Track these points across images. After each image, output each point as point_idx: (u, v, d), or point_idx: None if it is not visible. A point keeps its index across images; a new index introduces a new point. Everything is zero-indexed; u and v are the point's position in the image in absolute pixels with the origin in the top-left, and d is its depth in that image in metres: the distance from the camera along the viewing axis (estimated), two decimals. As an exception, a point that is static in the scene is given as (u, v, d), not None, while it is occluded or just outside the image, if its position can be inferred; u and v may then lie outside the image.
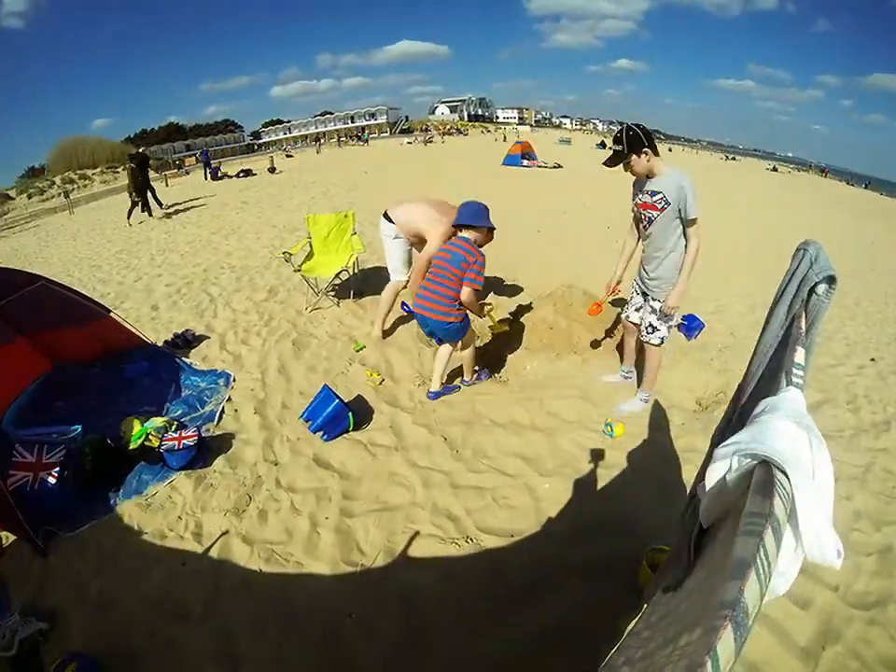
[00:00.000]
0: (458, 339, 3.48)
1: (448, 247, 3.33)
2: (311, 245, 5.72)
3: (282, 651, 1.99)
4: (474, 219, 3.32)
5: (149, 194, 12.57)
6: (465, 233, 3.31)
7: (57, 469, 2.74)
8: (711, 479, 0.94)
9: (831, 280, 1.02)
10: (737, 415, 1.33)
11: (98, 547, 2.50)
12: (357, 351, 4.33)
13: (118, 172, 37.05)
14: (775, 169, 45.23)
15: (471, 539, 2.45)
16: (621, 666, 1.13)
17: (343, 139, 55.49)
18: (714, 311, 5.34)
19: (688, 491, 1.67)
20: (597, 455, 2.99)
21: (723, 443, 0.89)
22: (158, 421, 3.17)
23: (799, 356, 0.99)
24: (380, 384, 3.60)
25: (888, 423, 3.48)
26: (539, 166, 20.82)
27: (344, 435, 3.23)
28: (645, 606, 1.63)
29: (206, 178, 21.86)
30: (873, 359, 4.45)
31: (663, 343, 3.22)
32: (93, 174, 36.58)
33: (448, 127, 70.45)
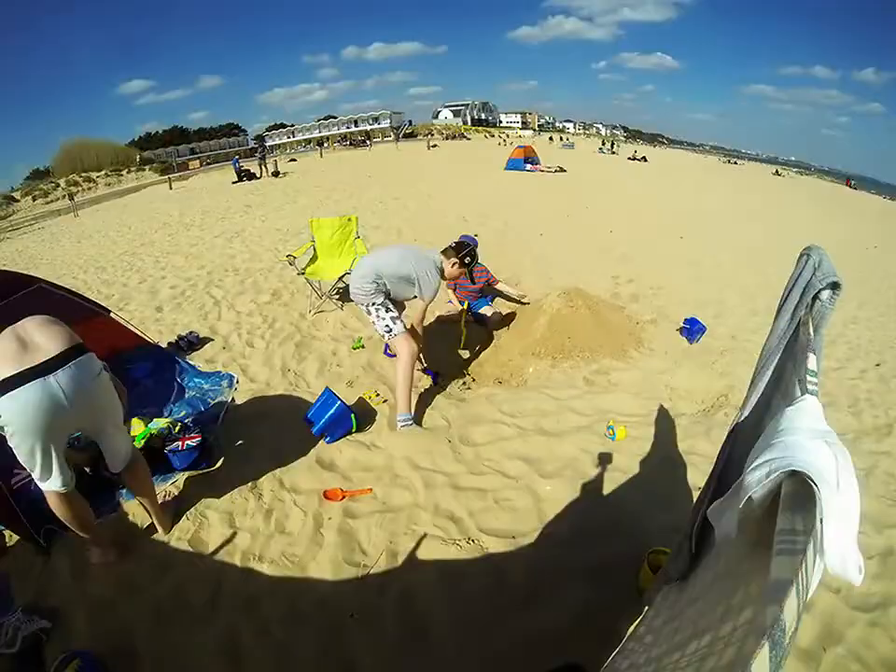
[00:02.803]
0: None
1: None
2: (314, 249, 5.76)
3: (284, 651, 1.99)
4: None
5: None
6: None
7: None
8: (741, 498, 0.91)
9: (835, 286, 1.02)
10: (745, 417, 1.33)
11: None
12: (355, 349, 4.39)
13: (122, 174, 37.25)
14: (777, 173, 45.03)
15: (473, 541, 2.45)
16: (625, 669, 1.14)
17: (339, 144, 53.09)
18: (715, 314, 5.34)
19: (692, 496, 1.67)
20: (599, 458, 2.99)
21: (751, 467, 0.87)
22: (161, 422, 3.18)
23: (812, 362, 0.99)
24: (383, 402, 3.61)
25: (889, 426, 3.47)
26: (542, 170, 20.80)
27: (347, 437, 3.24)
28: (646, 608, 1.64)
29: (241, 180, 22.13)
30: (878, 364, 4.45)
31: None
32: (97, 176, 36.75)
33: (452, 131, 70.55)
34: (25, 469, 2.66)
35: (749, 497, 0.85)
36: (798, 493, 0.73)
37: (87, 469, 2.87)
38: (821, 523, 0.68)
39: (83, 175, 36.61)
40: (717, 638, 0.77)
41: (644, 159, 34.27)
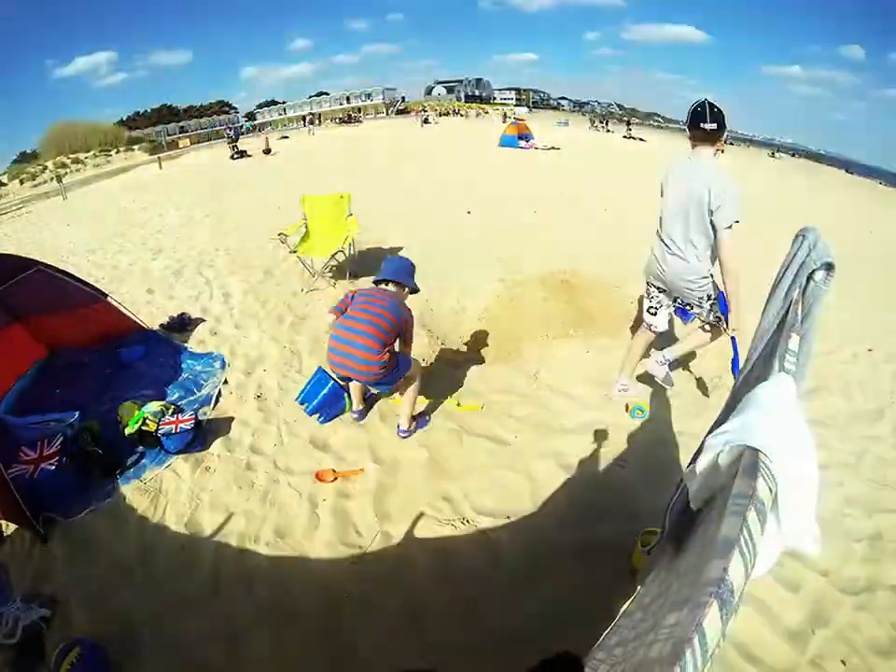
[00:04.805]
0: (396, 381, 2.91)
1: (378, 294, 2.83)
2: (307, 227, 5.70)
3: (282, 632, 2.02)
4: (401, 276, 2.96)
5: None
6: (391, 287, 2.91)
7: (56, 457, 2.74)
8: (701, 465, 0.95)
9: (829, 267, 1.02)
10: (732, 396, 1.33)
11: (97, 532, 2.52)
12: None
13: (110, 155, 36.73)
14: (773, 155, 44.70)
15: (468, 521, 2.47)
16: (614, 647, 1.15)
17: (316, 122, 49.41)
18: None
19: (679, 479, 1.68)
20: (594, 437, 3.01)
21: (714, 432, 0.90)
22: (155, 405, 3.17)
23: (793, 342, 1.00)
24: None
25: (880, 411, 3.49)
26: (536, 147, 20.63)
27: (340, 416, 3.24)
28: (639, 587, 1.66)
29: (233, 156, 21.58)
30: (870, 349, 4.46)
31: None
32: (86, 157, 36.22)
33: (446, 108, 69.70)
34: (23, 464, 2.70)
35: (715, 459, 0.87)
36: (755, 463, 0.75)
37: (98, 449, 2.89)
38: (773, 494, 0.69)
39: (71, 156, 36.07)
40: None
41: (642, 139, 33.74)
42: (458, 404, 3.36)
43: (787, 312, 1.11)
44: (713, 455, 0.91)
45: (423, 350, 4.01)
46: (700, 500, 1.10)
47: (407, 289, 2.98)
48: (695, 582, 0.78)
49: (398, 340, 2.85)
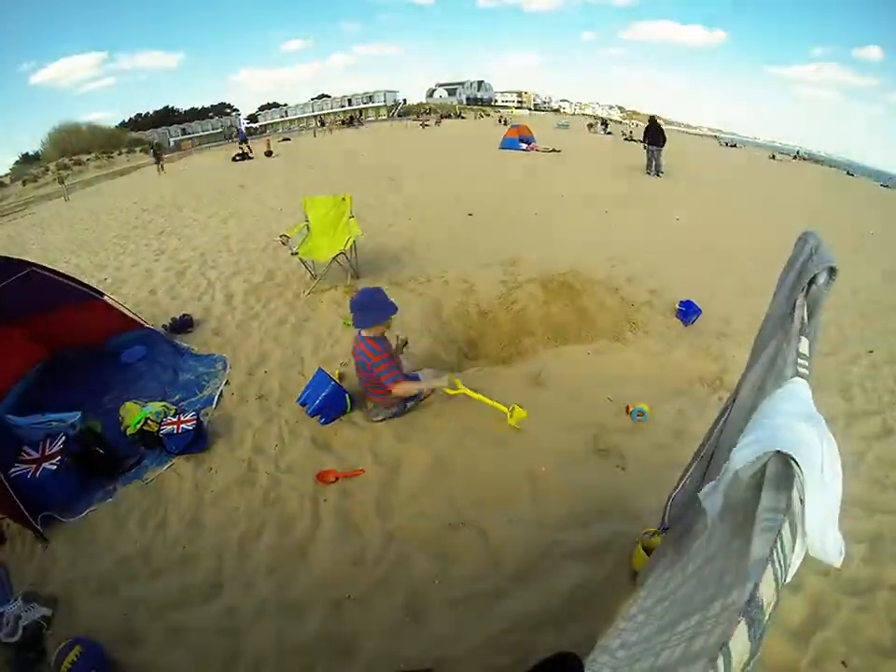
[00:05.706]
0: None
1: (356, 347, 3.06)
2: (308, 228, 5.71)
3: (283, 631, 2.02)
4: (364, 321, 2.97)
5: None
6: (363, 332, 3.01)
7: (58, 457, 2.75)
8: (723, 483, 0.92)
9: (831, 271, 1.02)
10: (735, 401, 1.33)
11: (99, 532, 2.53)
12: (347, 325, 4.39)
13: (112, 157, 36.84)
14: (773, 157, 44.48)
15: (468, 521, 2.48)
16: (616, 649, 1.15)
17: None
18: (711, 297, 5.33)
19: (680, 474, 1.69)
20: (593, 439, 3.01)
21: (738, 446, 0.88)
22: (156, 405, 3.18)
23: (804, 346, 0.99)
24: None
25: (881, 412, 3.50)
26: (538, 150, 20.66)
27: (342, 417, 3.25)
28: (639, 589, 1.66)
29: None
30: (871, 351, 4.47)
31: None
32: (88, 159, 36.33)
33: (447, 110, 69.71)
34: (24, 464, 2.70)
35: (736, 474, 0.86)
36: (782, 473, 0.74)
37: (99, 449, 2.89)
38: (802, 504, 0.69)
39: (73, 158, 36.19)
40: (706, 618, 0.78)
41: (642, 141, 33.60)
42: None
43: (790, 315, 1.11)
44: (735, 469, 0.89)
45: (425, 352, 4.01)
46: (723, 517, 1.07)
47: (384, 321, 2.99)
48: (718, 594, 0.78)
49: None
